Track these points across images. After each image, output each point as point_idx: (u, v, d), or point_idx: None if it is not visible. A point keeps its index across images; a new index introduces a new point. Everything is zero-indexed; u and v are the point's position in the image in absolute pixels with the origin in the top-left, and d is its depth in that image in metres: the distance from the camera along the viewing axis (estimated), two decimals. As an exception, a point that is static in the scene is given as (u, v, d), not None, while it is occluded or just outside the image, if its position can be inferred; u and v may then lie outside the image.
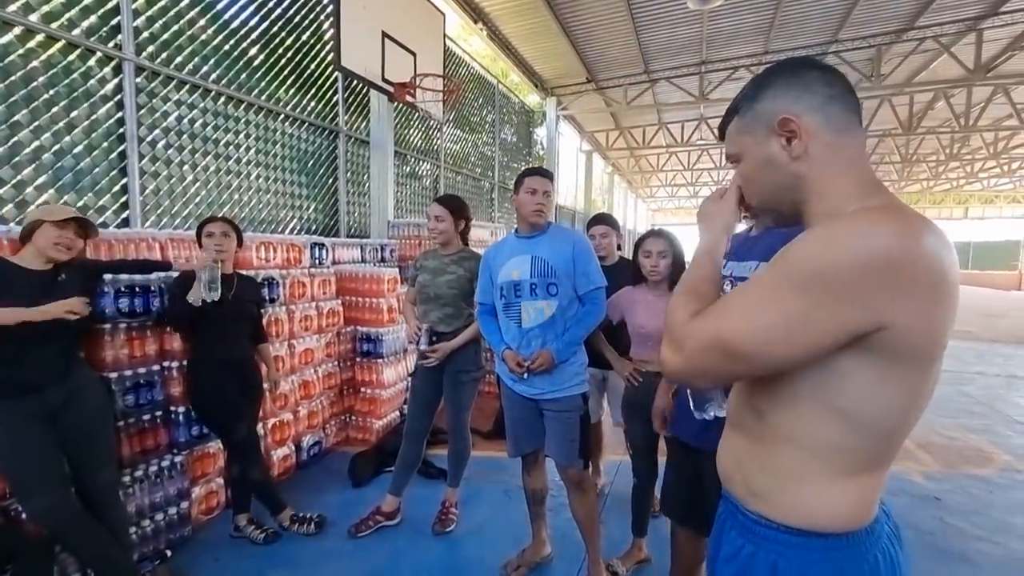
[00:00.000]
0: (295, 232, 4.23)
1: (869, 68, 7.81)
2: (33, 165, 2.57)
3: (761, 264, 1.30)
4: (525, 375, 1.90)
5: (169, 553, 2.17)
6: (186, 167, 3.32)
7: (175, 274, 2.20)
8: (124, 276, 2.08)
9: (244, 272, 2.48)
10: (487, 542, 2.37)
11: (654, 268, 1.97)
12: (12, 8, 2.45)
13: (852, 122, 0.74)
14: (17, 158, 2.51)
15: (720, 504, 0.91)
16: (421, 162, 6.19)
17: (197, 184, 3.39)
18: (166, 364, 2.27)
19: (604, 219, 2.75)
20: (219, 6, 3.49)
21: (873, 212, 0.66)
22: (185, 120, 3.31)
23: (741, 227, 1.64)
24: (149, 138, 3.08)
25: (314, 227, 4.48)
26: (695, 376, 0.75)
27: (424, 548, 2.34)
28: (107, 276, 2.02)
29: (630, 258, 2.20)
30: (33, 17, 2.53)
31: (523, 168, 9.18)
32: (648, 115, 11.47)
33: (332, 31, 3.89)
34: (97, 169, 2.83)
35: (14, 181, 2.50)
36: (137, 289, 2.12)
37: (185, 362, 2.27)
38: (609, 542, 2.13)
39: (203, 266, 2.05)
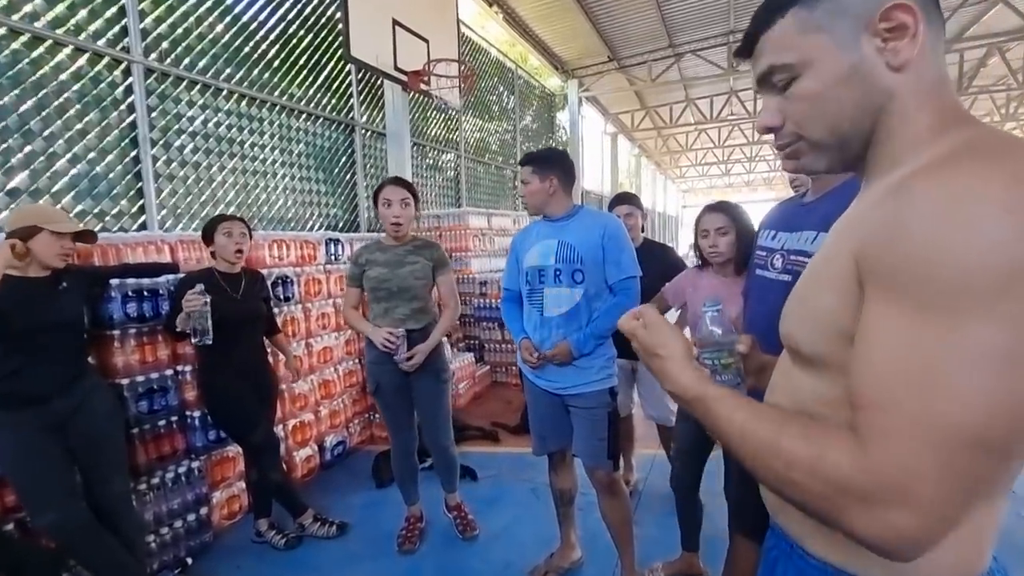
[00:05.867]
0: (316, 229, 4.18)
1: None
2: (48, 173, 2.57)
3: (821, 235, 1.06)
4: (539, 361, 1.77)
5: (190, 561, 2.14)
6: (202, 168, 3.29)
7: (183, 275, 2.14)
8: (131, 280, 2.03)
9: (250, 269, 2.40)
10: (514, 545, 2.25)
11: (713, 248, 1.73)
12: (17, 17, 2.43)
13: (942, 28, 0.56)
14: (33, 166, 2.51)
15: (768, 536, 0.73)
16: (442, 153, 6.07)
17: (214, 185, 3.36)
18: (180, 368, 2.23)
19: (627, 199, 2.55)
20: (227, 2, 3.44)
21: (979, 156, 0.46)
22: (199, 121, 3.27)
23: (790, 192, 1.44)
24: (163, 141, 3.06)
25: (335, 223, 4.43)
26: (946, 521, 0.45)
27: (448, 551, 2.24)
28: (113, 281, 1.98)
29: (658, 240, 2.01)
30: (39, 24, 2.51)
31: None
32: (675, 92, 11.01)
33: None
34: (112, 174, 2.81)
35: (30, 189, 2.51)
36: (145, 293, 2.08)
37: (198, 366, 2.22)
38: (644, 543, 1.97)
39: (193, 309, 1.80)
